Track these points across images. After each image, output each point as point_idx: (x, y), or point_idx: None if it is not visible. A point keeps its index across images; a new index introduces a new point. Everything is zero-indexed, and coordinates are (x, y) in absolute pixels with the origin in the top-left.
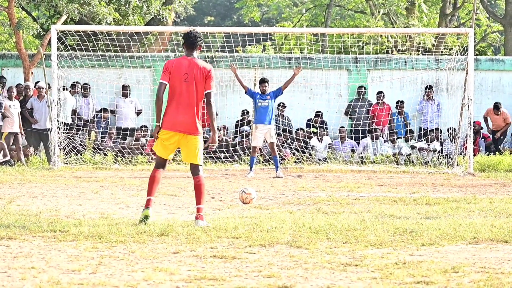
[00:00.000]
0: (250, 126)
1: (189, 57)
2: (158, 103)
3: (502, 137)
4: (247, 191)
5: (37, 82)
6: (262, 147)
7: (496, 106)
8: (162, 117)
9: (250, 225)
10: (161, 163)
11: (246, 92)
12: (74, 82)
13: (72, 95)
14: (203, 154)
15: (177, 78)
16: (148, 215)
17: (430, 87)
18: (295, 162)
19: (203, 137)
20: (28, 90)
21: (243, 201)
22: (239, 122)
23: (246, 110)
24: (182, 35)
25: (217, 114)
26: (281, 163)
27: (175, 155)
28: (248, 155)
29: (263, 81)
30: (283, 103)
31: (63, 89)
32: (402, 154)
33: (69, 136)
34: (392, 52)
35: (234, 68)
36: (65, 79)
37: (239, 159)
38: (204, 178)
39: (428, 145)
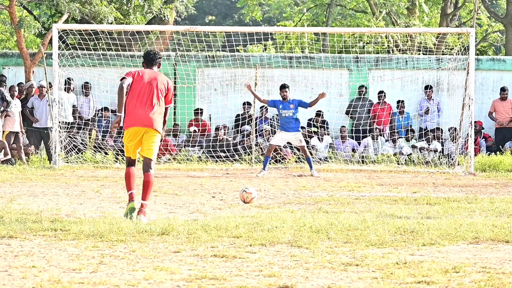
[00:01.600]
0: (251, 125)
1: (151, 69)
2: (121, 94)
3: (510, 136)
4: (248, 190)
5: (39, 81)
6: (264, 145)
7: (503, 88)
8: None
9: (251, 225)
10: (130, 162)
11: (268, 105)
12: (68, 78)
13: (68, 92)
14: (204, 153)
15: (139, 81)
16: (134, 207)
17: (430, 87)
18: (296, 161)
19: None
20: (31, 89)
21: (243, 200)
22: (241, 116)
23: (247, 101)
24: (143, 54)
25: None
26: (282, 162)
27: (173, 156)
28: (248, 154)
29: (283, 87)
30: None
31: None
32: (403, 154)
33: (70, 135)
34: (393, 52)
35: (249, 86)
36: (65, 77)
37: (239, 158)
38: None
39: (429, 144)
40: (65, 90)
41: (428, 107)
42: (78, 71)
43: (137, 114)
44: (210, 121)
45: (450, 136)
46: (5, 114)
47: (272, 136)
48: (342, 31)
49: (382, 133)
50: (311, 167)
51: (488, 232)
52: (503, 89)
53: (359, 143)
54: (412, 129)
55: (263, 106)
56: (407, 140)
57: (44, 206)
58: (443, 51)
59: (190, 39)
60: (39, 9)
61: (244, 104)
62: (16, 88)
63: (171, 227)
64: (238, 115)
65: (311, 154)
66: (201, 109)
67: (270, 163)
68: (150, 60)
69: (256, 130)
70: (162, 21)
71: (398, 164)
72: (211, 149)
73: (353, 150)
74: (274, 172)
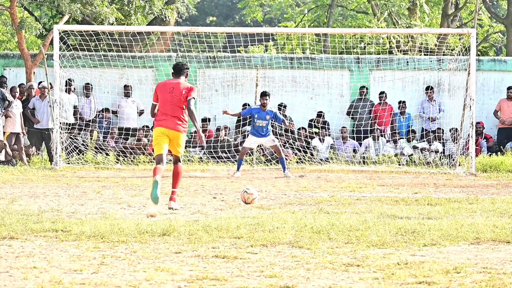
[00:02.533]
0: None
1: (177, 79)
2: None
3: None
4: (249, 191)
5: (40, 82)
6: (264, 147)
7: (510, 87)
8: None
9: (252, 225)
10: (159, 161)
11: (242, 116)
12: (68, 79)
13: (69, 93)
14: (205, 153)
15: (163, 91)
16: (156, 180)
17: (431, 88)
18: (297, 162)
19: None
20: (31, 90)
21: (244, 201)
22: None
23: (247, 103)
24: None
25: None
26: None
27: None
28: (249, 155)
29: (264, 95)
30: (284, 104)
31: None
32: (404, 155)
33: (71, 136)
34: (394, 53)
35: (226, 112)
36: (65, 78)
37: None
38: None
39: (430, 145)
40: (65, 91)
41: (435, 117)
42: (79, 72)
43: (163, 119)
44: (215, 121)
45: (451, 137)
46: (6, 113)
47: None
48: (343, 32)
49: (383, 133)
50: (284, 168)
51: (489, 233)
52: (510, 88)
53: (360, 144)
54: (413, 130)
55: None
56: (408, 140)
57: (45, 207)
58: (444, 52)
59: (191, 40)
60: (40, 10)
61: (244, 105)
62: (17, 89)
63: (172, 228)
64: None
65: (312, 155)
66: (209, 118)
67: (271, 163)
68: (177, 71)
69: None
70: (163, 22)
71: (399, 164)
72: (212, 150)
73: (354, 150)
74: (275, 173)
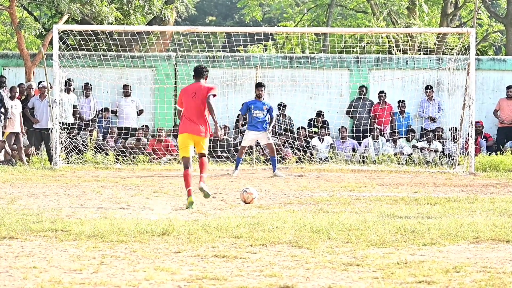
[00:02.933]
0: None
1: (197, 81)
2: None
3: (508, 134)
4: (249, 190)
5: (40, 82)
6: (263, 146)
7: (510, 87)
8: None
9: (251, 225)
10: (186, 164)
11: (242, 114)
12: (68, 79)
13: (68, 93)
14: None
15: (186, 97)
16: (192, 201)
17: (430, 87)
18: (297, 161)
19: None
20: (30, 89)
21: (244, 201)
22: (241, 116)
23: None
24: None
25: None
26: (282, 162)
27: (174, 156)
28: (249, 155)
29: (259, 85)
30: (284, 103)
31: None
32: (403, 154)
33: (71, 136)
34: (393, 52)
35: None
36: (65, 78)
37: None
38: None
39: (430, 144)
40: (65, 91)
41: (434, 118)
42: (79, 71)
43: (188, 125)
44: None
45: (451, 136)
46: (4, 122)
47: (274, 136)
48: (342, 31)
49: (382, 133)
50: (274, 167)
51: (489, 232)
52: (509, 87)
53: (360, 143)
54: (412, 129)
55: None
56: (408, 140)
57: (45, 207)
58: (443, 51)
59: (190, 40)
60: (40, 10)
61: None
62: (17, 89)
63: (172, 228)
64: (239, 115)
65: (312, 154)
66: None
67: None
68: (198, 73)
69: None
70: (163, 22)
71: (399, 164)
72: (211, 150)
73: (354, 150)
74: (268, 171)
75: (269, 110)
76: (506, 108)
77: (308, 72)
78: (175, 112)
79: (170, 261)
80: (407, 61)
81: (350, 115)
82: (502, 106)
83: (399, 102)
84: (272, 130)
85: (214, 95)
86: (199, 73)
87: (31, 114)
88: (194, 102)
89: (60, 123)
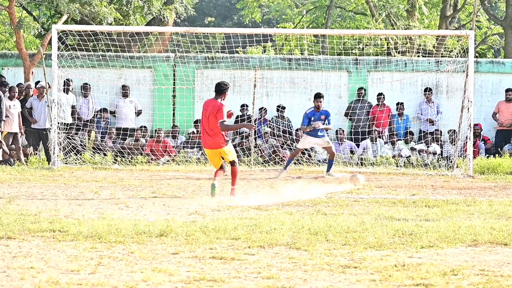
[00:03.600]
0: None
1: (213, 98)
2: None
3: (507, 137)
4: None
5: (38, 82)
6: (262, 148)
7: (508, 90)
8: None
9: (249, 226)
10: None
11: (306, 126)
12: (67, 79)
13: (67, 93)
14: (203, 154)
15: (203, 113)
16: (213, 183)
17: (429, 89)
18: (295, 163)
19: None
20: (29, 89)
21: (354, 184)
22: (239, 118)
23: (245, 104)
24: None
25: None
26: (280, 164)
27: (172, 157)
28: (247, 156)
29: (318, 96)
30: (282, 105)
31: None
32: (401, 156)
33: (69, 136)
34: (392, 54)
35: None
36: (64, 79)
37: (238, 160)
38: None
39: (428, 147)
40: (64, 91)
41: (433, 120)
42: (77, 72)
43: (205, 139)
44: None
45: (449, 139)
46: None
47: (272, 137)
48: (341, 33)
49: (381, 135)
50: (328, 168)
51: (487, 235)
52: (508, 90)
53: (358, 145)
54: (411, 131)
55: (262, 108)
56: (406, 142)
57: (43, 207)
58: (442, 54)
59: (189, 41)
60: (39, 10)
61: (242, 106)
62: (16, 89)
63: (169, 229)
64: (237, 117)
65: (310, 156)
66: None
67: (268, 165)
68: (216, 91)
69: (255, 131)
70: (162, 22)
71: (397, 166)
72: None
73: (352, 152)
74: (273, 174)
75: (327, 117)
76: (505, 111)
77: (306, 74)
78: (174, 113)
79: (168, 262)
80: (406, 63)
81: (348, 117)
82: (501, 109)
83: (397, 104)
84: (270, 132)
85: (223, 121)
86: (217, 91)
87: (29, 114)
88: (205, 117)
89: (58, 123)
